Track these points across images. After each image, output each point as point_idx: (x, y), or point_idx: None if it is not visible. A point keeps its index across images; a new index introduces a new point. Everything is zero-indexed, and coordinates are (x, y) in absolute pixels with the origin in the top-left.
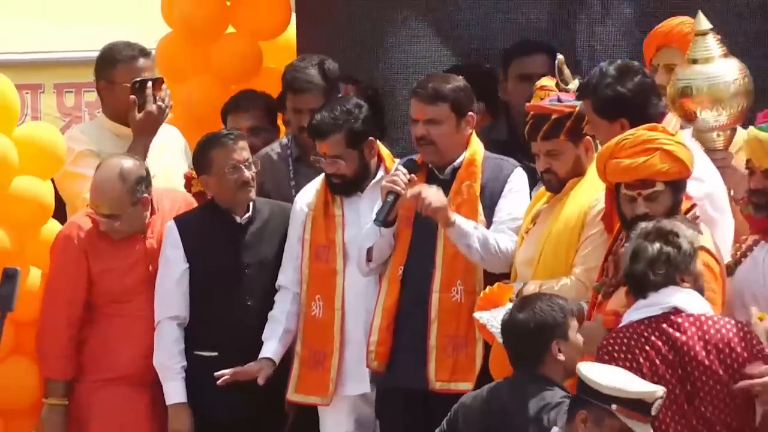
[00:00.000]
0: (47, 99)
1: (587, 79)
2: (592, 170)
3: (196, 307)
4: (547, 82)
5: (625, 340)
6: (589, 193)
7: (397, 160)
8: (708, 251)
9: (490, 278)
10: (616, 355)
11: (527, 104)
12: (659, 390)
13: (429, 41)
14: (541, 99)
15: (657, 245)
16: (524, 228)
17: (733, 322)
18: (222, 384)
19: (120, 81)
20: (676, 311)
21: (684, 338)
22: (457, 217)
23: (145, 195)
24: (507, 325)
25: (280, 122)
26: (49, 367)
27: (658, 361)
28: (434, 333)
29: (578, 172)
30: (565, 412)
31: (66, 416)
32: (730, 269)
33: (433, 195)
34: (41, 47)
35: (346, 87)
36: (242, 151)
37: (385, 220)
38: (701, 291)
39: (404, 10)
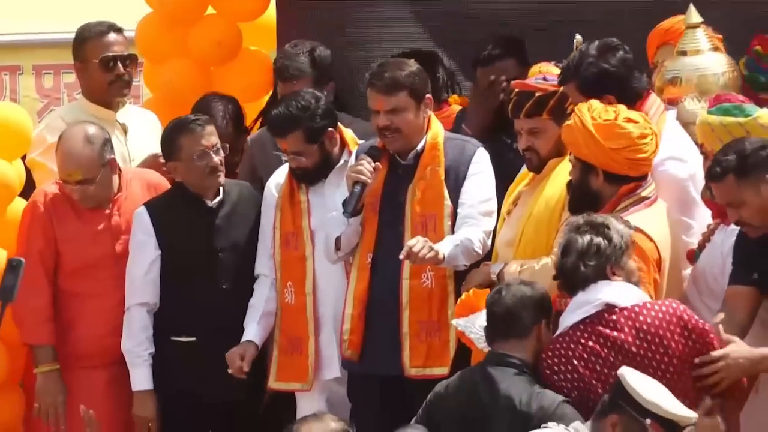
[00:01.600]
0: (26, 80)
1: (567, 63)
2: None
3: (171, 293)
4: (546, 67)
5: (563, 351)
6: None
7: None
8: (642, 231)
9: None
10: (557, 368)
11: (513, 81)
12: (693, 418)
13: (408, 22)
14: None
15: (588, 237)
16: (505, 209)
17: (667, 303)
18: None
19: (91, 58)
20: (609, 307)
21: (622, 336)
22: (444, 251)
23: (112, 156)
24: (505, 292)
25: None
26: (33, 332)
27: (599, 367)
28: (406, 319)
29: (560, 152)
30: (537, 394)
31: (61, 380)
32: (695, 255)
33: (421, 246)
34: (20, 29)
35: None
36: (210, 136)
37: (353, 210)
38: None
39: None
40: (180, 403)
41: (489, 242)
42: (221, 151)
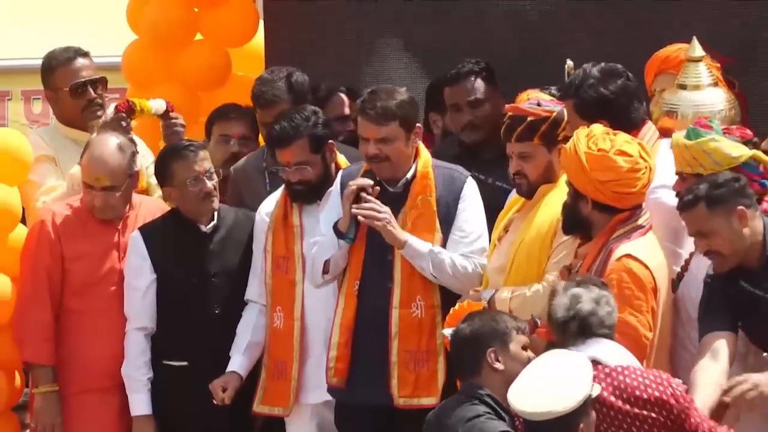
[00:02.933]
0: (14, 106)
1: (570, 80)
2: (564, 177)
3: (164, 317)
4: (535, 93)
5: None
6: (561, 200)
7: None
8: (638, 259)
9: (450, 293)
10: None
11: (507, 105)
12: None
13: (399, 50)
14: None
15: (593, 287)
16: (496, 236)
17: (648, 372)
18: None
19: (61, 86)
20: (595, 363)
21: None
22: (409, 237)
23: (137, 169)
24: (451, 337)
25: None
26: (33, 351)
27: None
28: (395, 349)
29: (549, 178)
30: (480, 423)
31: (60, 402)
32: (674, 284)
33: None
34: (8, 54)
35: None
36: (203, 162)
37: (355, 236)
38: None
39: (371, 18)
40: (172, 429)
41: (471, 273)
42: (215, 176)
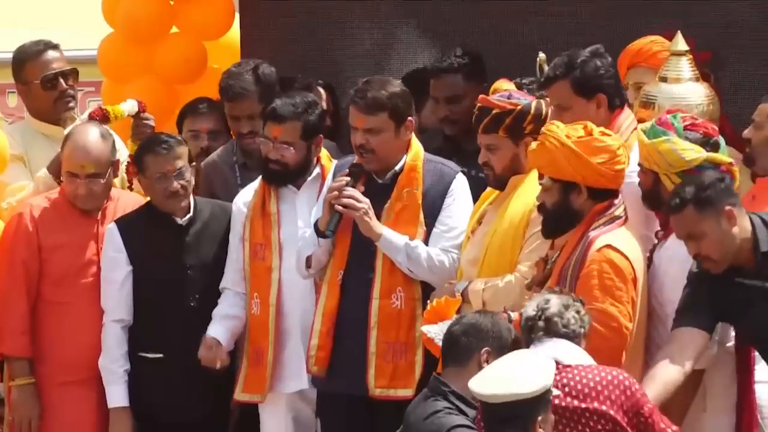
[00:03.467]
0: None
1: (558, 62)
2: (535, 173)
3: (140, 309)
4: (507, 85)
5: None
6: (533, 192)
7: (335, 161)
8: (618, 250)
9: (431, 287)
10: None
11: (480, 95)
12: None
13: (372, 43)
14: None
15: (564, 296)
16: (470, 228)
17: (614, 373)
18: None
19: (32, 79)
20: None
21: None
22: (385, 230)
23: (117, 158)
24: (453, 323)
25: None
26: (11, 344)
27: None
28: (374, 339)
29: (516, 170)
30: (437, 418)
31: (37, 395)
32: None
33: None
34: None
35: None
36: (176, 160)
37: (335, 231)
38: None
39: (347, 10)
40: (148, 421)
41: (448, 268)
42: (187, 174)
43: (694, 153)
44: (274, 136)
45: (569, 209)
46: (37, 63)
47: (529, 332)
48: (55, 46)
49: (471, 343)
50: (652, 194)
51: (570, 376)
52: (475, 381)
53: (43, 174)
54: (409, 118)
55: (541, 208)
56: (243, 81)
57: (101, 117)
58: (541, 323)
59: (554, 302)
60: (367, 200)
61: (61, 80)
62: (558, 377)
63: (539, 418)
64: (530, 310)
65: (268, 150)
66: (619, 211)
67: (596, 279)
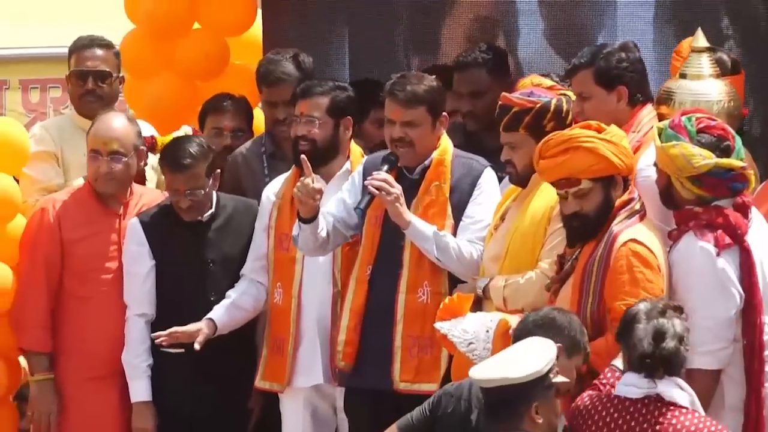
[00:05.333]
0: (12, 95)
1: (585, 51)
2: None
3: (162, 304)
4: (537, 80)
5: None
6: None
7: (365, 156)
8: (643, 244)
9: (457, 280)
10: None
11: (502, 93)
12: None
13: (397, 38)
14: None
15: (676, 321)
16: (493, 225)
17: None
18: (163, 344)
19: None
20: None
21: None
22: (414, 219)
23: (143, 148)
24: (528, 315)
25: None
26: (30, 338)
27: None
28: (399, 334)
29: None
30: None
31: (55, 391)
32: None
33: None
34: (7, 43)
35: None
36: (188, 180)
37: (364, 210)
38: None
39: (370, 7)
40: (170, 416)
41: (475, 259)
42: (199, 193)
43: (703, 159)
44: (301, 112)
45: (610, 206)
46: (78, 56)
47: (640, 367)
48: (106, 45)
49: (545, 337)
50: (666, 194)
51: (681, 419)
52: (474, 369)
53: (79, 183)
54: (444, 113)
55: (575, 217)
56: (283, 66)
57: (150, 146)
58: (656, 361)
59: (670, 334)
60: (400, 187)
61: (91, 79)
62: (669, 416)
63: (535, 404)
64: (644, 344)
65: (297, 126)
66: (638, 206)
67: (626, 274)
